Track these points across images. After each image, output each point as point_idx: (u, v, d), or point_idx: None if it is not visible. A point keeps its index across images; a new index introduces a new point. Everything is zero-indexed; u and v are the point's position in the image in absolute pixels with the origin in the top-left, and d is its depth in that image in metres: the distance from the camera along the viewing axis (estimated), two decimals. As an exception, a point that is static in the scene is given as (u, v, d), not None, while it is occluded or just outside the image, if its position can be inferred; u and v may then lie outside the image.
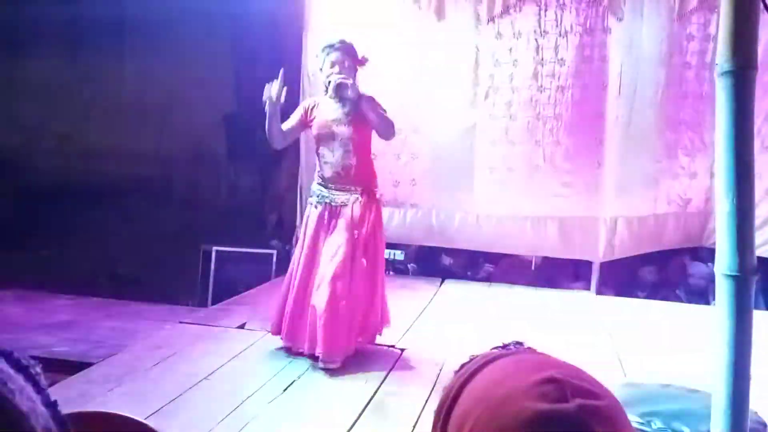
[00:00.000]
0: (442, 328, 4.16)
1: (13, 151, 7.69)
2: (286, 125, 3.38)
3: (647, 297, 5.32)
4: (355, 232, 3.24)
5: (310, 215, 3.39)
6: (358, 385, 3.12)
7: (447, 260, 5.72)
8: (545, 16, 5.05)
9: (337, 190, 3.31)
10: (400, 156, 5.38)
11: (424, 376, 3.28)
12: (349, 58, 3.28)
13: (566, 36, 5.05)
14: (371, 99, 3.32)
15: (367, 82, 5.23)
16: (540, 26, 5.06)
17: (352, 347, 3.35)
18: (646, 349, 3.89)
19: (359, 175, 3.32)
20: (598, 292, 5.26)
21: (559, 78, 5.08)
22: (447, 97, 5.27)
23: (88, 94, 7.58)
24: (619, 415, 0.58)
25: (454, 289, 5.23)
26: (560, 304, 4.93)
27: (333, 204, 3.31)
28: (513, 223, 5.25)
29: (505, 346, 0.68)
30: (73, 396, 2.87)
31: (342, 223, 3.26)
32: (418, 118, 5.32)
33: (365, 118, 3.27)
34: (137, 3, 7.00)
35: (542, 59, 5.08)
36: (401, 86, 5.30)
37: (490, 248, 5.48)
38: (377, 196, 3.42)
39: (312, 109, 3.40)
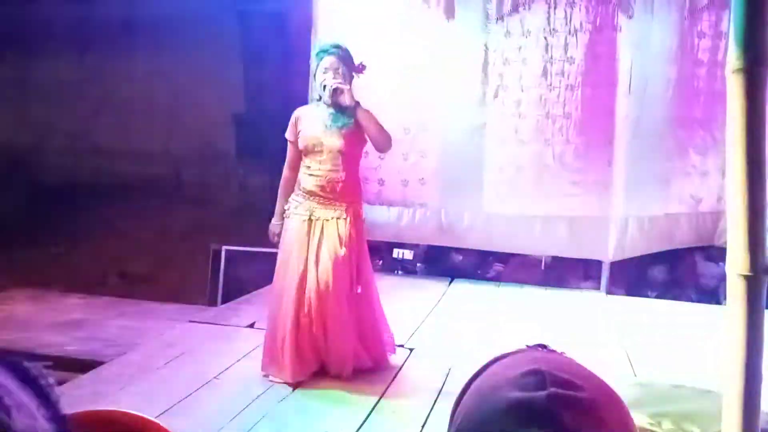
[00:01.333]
0: (451, 328, 4.16)
1: (24, 150, 7.76)
2: (288, 166, 3.20)
3: (658, 296, 5.29)
4: (342, 250, 3.01)
5: (291, 229, 3.09)
6: (367, 385, 3.12)
7: (457, 257, 5.69)
8: (555, 14, 5.03)
9: (319, 204, 3.06)
10: (408, 155, 5.37)
11: (433, 376, 3.28)
12: (344, 64, 3.05)
13: (576, 34, 5.02)
14: (368, 111, 3.12)
15: (375, 81, 5.27)
16: (549, 24, 5.04)
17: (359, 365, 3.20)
18: (657, 349, 3.87)
19: (345, 192, 3.09)
20: (609, 292, 5.23)
21: (568, 76, 5.06)
22: (456, 96, 5.26)
23: (98, 93, 7.62)
24: (601, 409, 0.57)
25: (463, 288, 5.22)
26: (570, 303, 4.91)
27: (314, 218, 3.05)
28: (522, 222, 5.23)
29: (528, 348, 0.69)
30: (85, 394, 2.90)
31: (328, 242, 3.02)
32: (426, 117, 5.31)
33: (360, 129, 3.07)
34: (146, 4, 7.03)
35: (551, 57, 5.06)
36: (410, 85, 5.30)
37: (499, 248, 5.46)
38: (362, 216, 3.19)
39: (297, 123, 3.14)
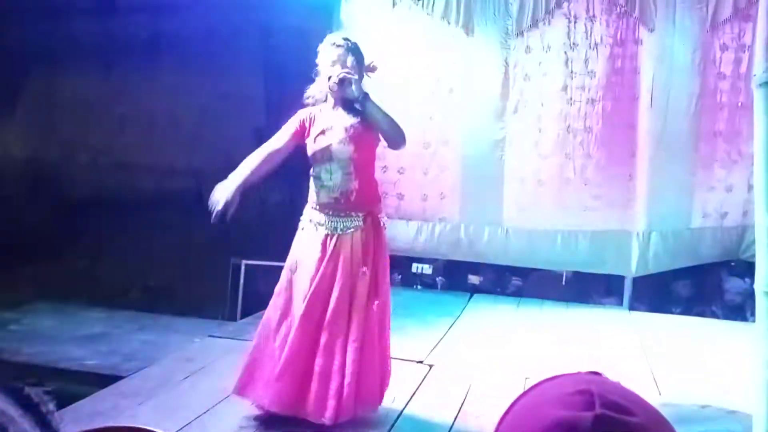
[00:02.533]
0: (471, 344, 4.12)
1: (49, 164, 7.88)
2: (270, 146, 2.85)
3: (682, 313, 5.20)
4: (363, 269, 2.75)
5: (302, 243, 2.86)
6: (386, 402, 3.09)
7: (475, 279, 5.64)
8: (575, 28, 5.01)
9: (335, 216, 2.79)
10: (428, 169, 5.37)
11: (452, 392, 3.25)
12: (354, 57, 2.78)
13: (596, 48, 5.00)
14: (377, 104, 2.80)
15: (396, 96, 5.29)
16: (570, 39, 5.02)
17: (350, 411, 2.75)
18: (682, 367, 3.79)
19: (361, 200, 2.81)
20: (631, 308, 5.16)
21: (589, 90, 5.03)
22: (476, 111, 5.25)
23: (123, 109, 7.74)
24: None
25: (483, 304, 5.18)
26: (592, 320, 4.85)
27: (331, 233, 2.78)
28: (543, 237, 5.18)
29: (581, 372, 0.68)
30: (105, 409, 2.91)
31: (344, 257, 2.74)
32: (447, 132, 5.32)
33: (370, 127, 2.78)
34: (171, 20, 7.14)
35: (572, 72, 5.03)
36: (430, 100, 5.32)
37: (519, 263, 5.42)
38: (381, 222, 2.89)
39: (309, 122, 2.84)
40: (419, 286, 5.70)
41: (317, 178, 2.83)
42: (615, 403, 0.56)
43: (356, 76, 2.72)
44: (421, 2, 5.23)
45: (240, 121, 7.33)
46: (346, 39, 2.82)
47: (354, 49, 2.80)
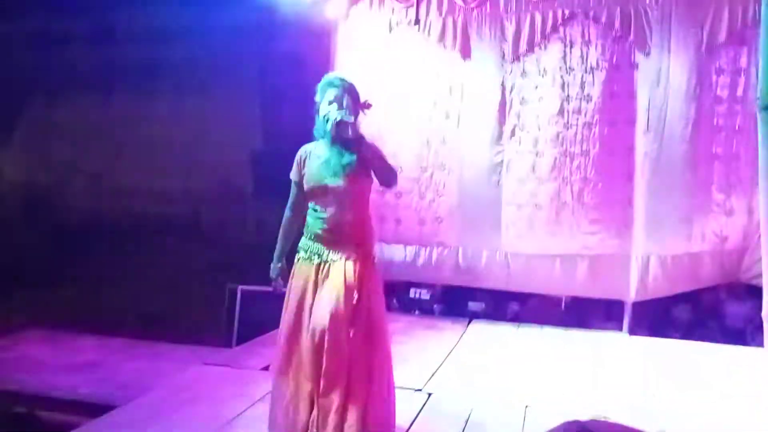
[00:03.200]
0: (469, 371, 4.06)
1: (45, 189, 7.86)
2: (291, 204, 3.01)
3: (682, 337, 5.14)
4: (355, 294, 2.76)
5: (296, 274, 2.90)
6: None
7: (474, 304, 5.57)
8: (571, 53, 5.04)
9: (326, 247, 2.85)
10: (425, 194, 5.36)
11: (451, 422, 3.18)
12: (350, 96, 2.88)
13: (592, 72, 5.02)
14: (373, 144, 2.89)
15: (392, 120, 5.30)
16: (566, 63, 5.05)
17: None
18: (683, 393, 3.73)
19: (354, 233, 2.86)
20: (631, 333, 5.10)
21: (585, 114, 5.04)
22: (473, 135, 5.26)
23: (119, 134, 7.73)
24: None
25: (481, 329, 5.12)
26: (591, 345, 4.79)
27: (321, 261, 2.84)
28: (542, 261, 5.15)
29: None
30: (96, 440, 2.85)
31: (330, 285, 2.78)
32: (443, 156, 5.32)
33: (365, 166, 2.85)
34: (168, 47, 7.17)
35: (568, 96, 5.05)
36: (427, 124, 5.33)
37: (518, 287, 5.37)
38: (374, 260, 2.92)
39: (305, 161, 2.95)
40: (417, 312, 5.64)
41: (313, 210, 2.90)
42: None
43: (352, 118, 2.81)
44: (417, 26, 5.26)
45: (236, 145, 7.33)
46: (342, 80, 2.92)
47: (350, 89, 2.89)
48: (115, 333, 5.12)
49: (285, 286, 2.95)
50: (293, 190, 3.00)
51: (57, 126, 7.92)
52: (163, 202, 7.50)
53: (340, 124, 2.76)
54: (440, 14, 5.29)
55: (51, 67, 7.58)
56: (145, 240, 7.07)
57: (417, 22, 5.27)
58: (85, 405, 3.62)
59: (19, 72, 7.49)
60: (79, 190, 7.86)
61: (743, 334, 5.17)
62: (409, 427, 3.10)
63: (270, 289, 3.11)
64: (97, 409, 3.40)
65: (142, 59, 7.56)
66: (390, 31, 5.36)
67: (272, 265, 3.05)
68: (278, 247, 3.05)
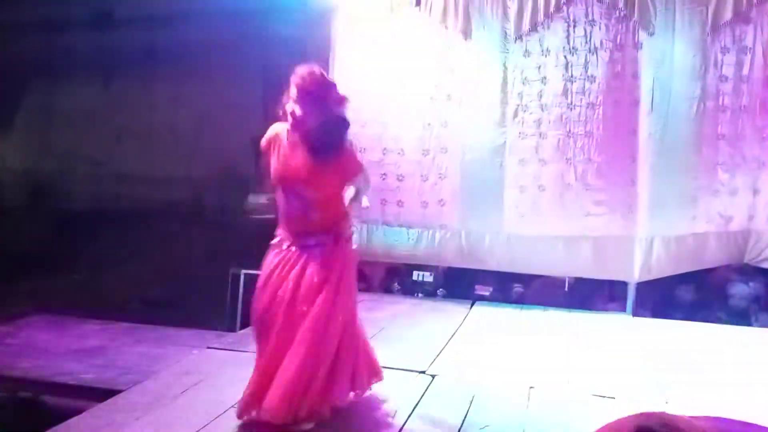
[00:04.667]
0: (474, 353, 4.05)
1: (47, 176, 7.86)
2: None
3: (685, 318, 5.13)
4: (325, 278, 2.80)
5: (268, 258, 2.95)
6: (388, 414, 3.03)
7: (483, 290, 5.56)
8: (574, 32, 4.98)
9: (300, 236, 2.86)
10: (428, 176, 5.33)
11: (456, 404, 3.18)
12: (318, 90, 2.83)
13: (596, 52, 4.96)
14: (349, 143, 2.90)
15: (394, 103, 5.26)
16: (569, 43, 4.99)
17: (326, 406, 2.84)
18: (687, 374, 3.73)
19: (325, 224, 2.85)
20: (635, 314, 5.09)
21: (589, 95, 5.00)
22: (475, 116, 5.22)
23: (121, 120, 7.72)
24: None
25: (485, 311, 5.11)
26: (595, 326, 4.78)
27: (296, 249, 2.86)
28: (545, 243, 5.13)
29: None
30: (101, 425, 2.85)
31: (309, 271, 2.81)
32: (446, 138, 5.28)
33: (339, 166, 2.84)
34: (168, 32, 7.12)
35: (572, 76, 5.00)
36: (429, 106, 5.28)
37: (521, 269, 5.36)
38: (347, 236, 2.93)
39: (273, 143, 2.91)
40: (420, 295, 5.64)
41: (279, 202, 2.91)
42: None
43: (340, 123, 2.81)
44: (419, 6, 5.20)
45: (238, 131, 7.30)
46: (303, 77, 2.84)
47: (319, 82, 2.84)
48: (119, 318, 5.13)
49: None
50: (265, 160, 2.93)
51: (58, 112, 7.91)
52: (165, 187, 7.49)
53: (332, 131, 2.77)
54: (441, -6, 5.23)
55: (52, 53, 7.55)
56: (148, 225, 7.08)
57: (418, 2, 5.21)
58: (89, 390, 3.62)
59: (19, 58, 7.45)
60: (81, 176, 7.86)
61: (747, 315, 5.16)
62: (413, 410, 3.10)
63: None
64: (101, 394, 3.40)
65: (144, 45, 7.52)
66: (391, 11, 5.30)
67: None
68: None
